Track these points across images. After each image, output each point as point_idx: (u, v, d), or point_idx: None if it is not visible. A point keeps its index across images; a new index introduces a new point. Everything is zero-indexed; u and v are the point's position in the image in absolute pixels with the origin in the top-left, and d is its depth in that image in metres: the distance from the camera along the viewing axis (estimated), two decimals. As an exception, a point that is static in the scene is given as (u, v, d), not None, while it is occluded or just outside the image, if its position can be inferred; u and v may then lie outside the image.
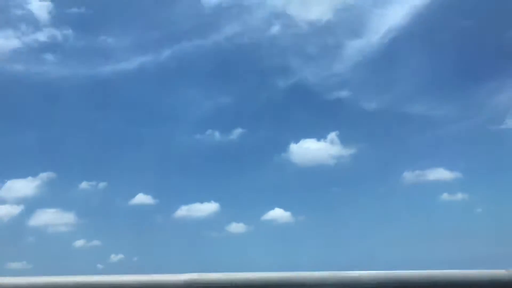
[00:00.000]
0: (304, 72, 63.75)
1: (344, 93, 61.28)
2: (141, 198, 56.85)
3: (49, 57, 51.84)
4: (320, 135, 58.60)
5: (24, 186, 40.55)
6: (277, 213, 52.72)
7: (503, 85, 56.56)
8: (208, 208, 55.50)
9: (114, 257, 51.89)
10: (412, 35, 60.12)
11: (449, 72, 63.78)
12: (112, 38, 65.53)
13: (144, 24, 63.13)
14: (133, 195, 56.43)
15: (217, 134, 63.08)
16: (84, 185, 54.95)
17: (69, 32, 61.83)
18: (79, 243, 52.93)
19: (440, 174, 54.34)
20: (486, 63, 62.22)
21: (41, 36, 48.74)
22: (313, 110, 64.83)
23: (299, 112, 64.56)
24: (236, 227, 55.30)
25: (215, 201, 55.54)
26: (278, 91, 64.59)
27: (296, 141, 59.88)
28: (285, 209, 52.06)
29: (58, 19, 58.74)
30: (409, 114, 59.98)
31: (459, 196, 53.78)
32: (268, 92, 66.16)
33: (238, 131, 61.63)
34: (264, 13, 60.20)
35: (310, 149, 58.21)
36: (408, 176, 55.12)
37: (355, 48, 60.41)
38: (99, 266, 48.77)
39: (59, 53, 58.67)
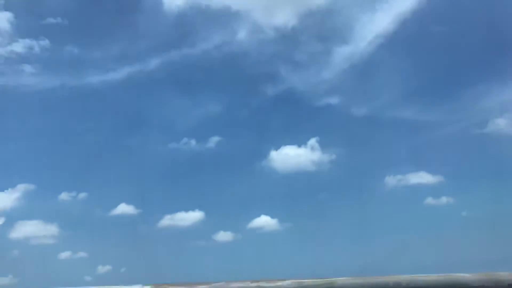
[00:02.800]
0: (292, 79, 63.84)
1: (333, 100, 61.42)
2: (124, 208, 56.21)
3: (27, 68, 51.06)
4: (300, 142, 58.86)
5: (3, 199, 39.89)
6: (264, 221, 52.66)
7: (489, 89, 57.41)
8: (193, 217, 55.16)
9: (102, 269, 50.96)
10: (398, 41, 60.78)
11: (436, 77, 64.40)
12: (94, 48, 64.58)
13: (131, 35, 62.48)
14: (115, 205, 55.76)
15: (201, 143, 62.80)
16: (63, 196, 54.10)
17: (45, 42, 60.45)
18: (65, 255, 51.93)
19: (422, 178, 54.73)
20: (472, 68, 63.01)
21: (18, 47, 48.17)
22: (296, 117, 65.00)
23: (281, 119, 64.59)
24: (223, 236, 54.93)
25: (200, 209, 55.19)
26: (265, 98, 64.58)
27: (277, 148, 59.99)
28: (272, 216, 52.03)
29: (34, 29, 57.75)
30: (397, 119, 60.46)
31: (444, 200, 54.20)
32: (256, 100, 65.94)
33: (220, 139, 61.38)
34: (230, 20, 60.07)
35: (291, 156, 58.36)
36: (390, 180, 55.42)
37: (343, 54, 60.81)
38: (87, 278, 47.79)
39: (37, 63, 57.55)
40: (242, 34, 59.47)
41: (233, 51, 63.66)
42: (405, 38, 61.38)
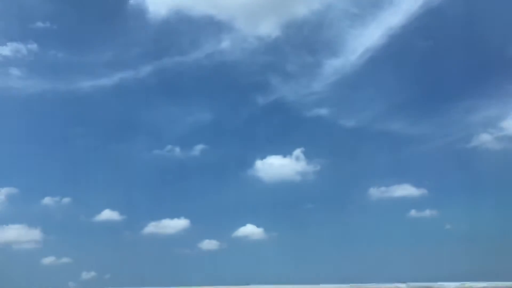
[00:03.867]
0: (282, 89, 64.11)
1: (322, 111, 61.72)
2: (108, 214, 55.63)
3: (14, 71, 51.16)
4: (286, 152, 59.02)
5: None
6: (249, 230, 52.42)
7: (474, 104, 58.58)
8: (178, 224, 54.73)
9: (86, 275, 50.46)
10: (388, 55, 61.51)
11: (424, 91, 65.39)
12: (82, 53, 64.45)
13: (115, 42, 62.52)
14: (99, 211, 55.31)
15: (185, 150, 62.31)
16: (47, 200, 53.44)
17: (34, 46, 59.98)
18: (48, 260, 51.31)
19: (406, 190, 55.38)
20: (459, 83, 64.01)
21: (5, 51, 48.28)
22: (282, 127, 64.94)
23: (268, 129, 64.78)
24: (209, 244, 54.69)
25: (185, 217, 54.93)
26: (254, 108, 64.71)
27: (262, 157, 59.90)
28: (257, 225, 51.98)
29: (22, 33, 57.66)
30: (384, 132, 61.09)
31: (427, 212, 54.92)
32: (244, 109, 66.14)
33: (204, 147, 60.93)
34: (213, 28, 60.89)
35: (275, 166, 58.28)
36: (374, 192, 56.32)
37: (333, 67, 61.30)
38: (71, 284, 47.23)
39: (24, 67, 57.43)
40: (226, 43, 59.66)
41: (221, 60, 63.62)
42: (394, 52, 61.95)
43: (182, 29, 63.35)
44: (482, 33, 58.74)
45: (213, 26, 60.73)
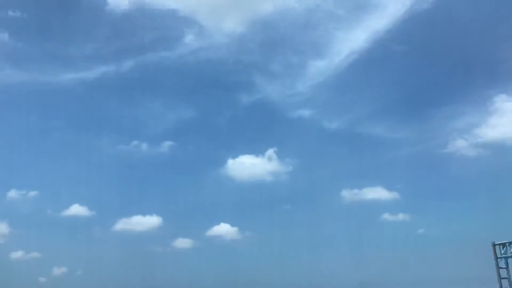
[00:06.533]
0: (267, 89, 63.66)
1: (306, 112, 61.60)
2: (77, 209, 54.43)
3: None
4: (258, 151, 58.84)
5: None
6: (224, 229, 51.94)
7: (453, 111, 59.46)
8: (150, 221, 53.87)
9: (57, 270, 49.06)
10: (372, 58, 61.77)
11: (405, 96, 65.93)
12: (65, 45, 62.80)
13: (72, 35, 61.03)
14: (68, 206, 54.09)
15: (153, 147, 61.42)
16: (12, 193, 51.96)
17: (4, 35, 58.05)
18: (17, 255, 49.78)
19: (378, 193, 55.62)
20: (440, 90, 64.76)
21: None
22: (258, 127, 64.56)
23: (243, 128, 64.33)
24: (182, 242, 53.96)
25: (157, 214, 54.11)
26: (234, 107, 64.12)
27: (234, 156, 59.55)
28: (232, 224, 51.54)
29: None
30: (365, 135, 61.35)
31: (400, 216, 55.27)
32: (219, 107, 65.35)
33: (173, 144, 60.19)
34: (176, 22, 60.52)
35: (246, 165, 57.98)
36: (346, 194, 56.46)
37: (318, 68, 61.21)
38: (41, 279, 45.84)
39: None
40: (189, 38, 58.99)
41: (209, 57, 62.62)
42: (379, 56, 62.31)
43: (143, 23, 62.70)
44: (466, 39, 59.93)
45: (177, 20, 60.38)
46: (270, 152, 57.09)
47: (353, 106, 63.27)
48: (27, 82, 60.99)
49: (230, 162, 57.18)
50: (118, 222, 52.38)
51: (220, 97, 66.16)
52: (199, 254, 48.62)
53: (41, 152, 58.86)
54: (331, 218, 53.83)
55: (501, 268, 27.62)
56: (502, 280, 27.36)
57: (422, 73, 63.34)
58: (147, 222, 52.33)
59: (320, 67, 60.73)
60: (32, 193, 52.80)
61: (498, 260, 27.71)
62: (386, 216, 53.85)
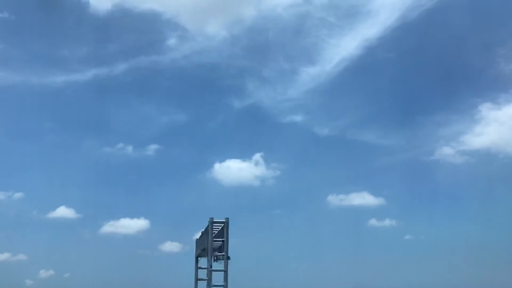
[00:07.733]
0: (259, 95, 63.74)
1: (298, 118, 61.69)
2: (63, 212, 53.88)
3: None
4: (245, 156, 58.84)
5: None
6: (213, 233, 51.57)
7: (444, 118, 59.96)
8: (138, 224, 53.48)
9: (44, 273, 48.41)
10: (363, 66, 62.17)
11: (395, 104, 66.29)
12: (55, 46, 62.32)
13: (56, 35, 60.54)
14: (54, 208, 53.48)
15: (138, 150, 61.16)
16: (-3, 194, 51.05)
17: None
18: (3, 256, 49.06)
19: (365, 198, 55.84)
20: (434, 97, 65.30)
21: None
22: (245, 132, 64.56)
23: (230, 132, 64.24)
24: (170, 246, 53.62)
25: (145, 218, 53.76)
26: (230, 112, 64.09)
27: (221, 160, 59.47)
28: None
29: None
30: (357, 141, 61.52)
31: (387, 222, 55.60)
32: (209, 111, 65.21)
33: (159, 148, 60.00)
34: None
35: (233, 169, 57.90)
36: (332, 199, 56.62)
37: (310, 75, 61.41)
38: (28, 282, 45.26)
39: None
40: (172, 41, 58.99)
41: (202, 62, 62.51)
42: (369, 63, 62.77)
43: (125, 25, 62.50)
44: (454, 48, 60.59)
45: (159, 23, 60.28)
46: (257, 156, 57.20)
47: (344, 113, 63.60)
48: (15, 84, 60.58)
49: (217, 166, 57.29)
50: (106, 225, 52.09)
51: (212, 101, 66.14)
52: (188, 257, 48.45)
53: (27, 153, 58.42)
54: (316, 224, 54.00)
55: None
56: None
57: (411, 81, 63.94)
58: (135, 225, 52.11)
59: (312, 74, 61.01)
60: (18, 195, 52.40)
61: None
62: (373, 221, 54.19)
